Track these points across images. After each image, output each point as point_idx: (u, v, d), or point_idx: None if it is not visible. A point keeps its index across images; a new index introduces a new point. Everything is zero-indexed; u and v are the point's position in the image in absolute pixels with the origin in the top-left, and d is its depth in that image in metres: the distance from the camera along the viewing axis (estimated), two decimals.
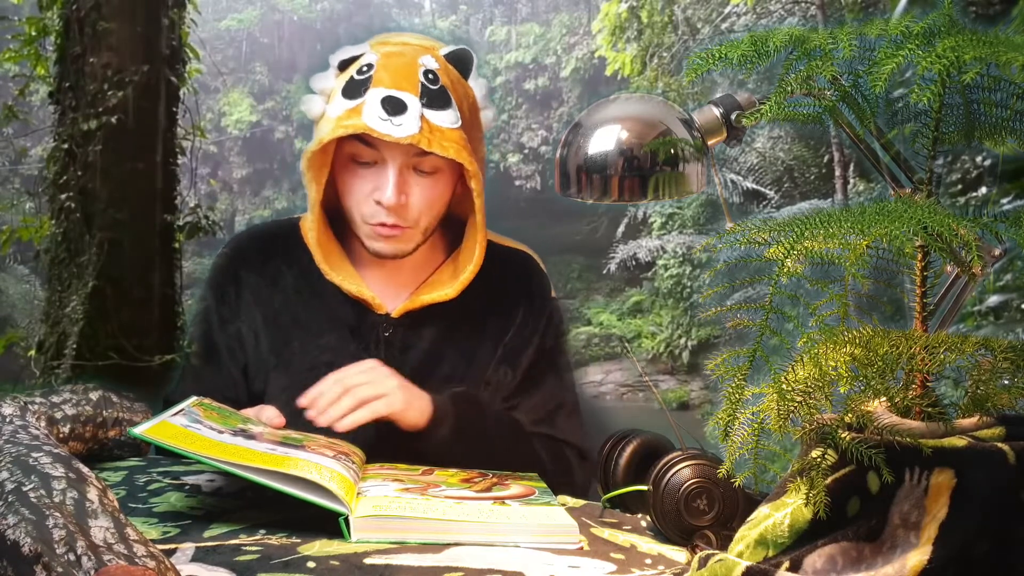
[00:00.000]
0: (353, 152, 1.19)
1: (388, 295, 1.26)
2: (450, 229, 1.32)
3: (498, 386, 1.28)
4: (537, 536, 0.88)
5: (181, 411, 1.01)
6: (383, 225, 1.20)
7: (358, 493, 0.93)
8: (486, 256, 1.28)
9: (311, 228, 1.23)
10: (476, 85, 1.25)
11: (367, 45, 1.22)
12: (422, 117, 1.14)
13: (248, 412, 1.13)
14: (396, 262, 1.26)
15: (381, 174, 1.18)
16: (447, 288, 1.25)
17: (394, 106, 1.14)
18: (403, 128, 1.13)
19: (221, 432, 0.98)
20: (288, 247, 1.28)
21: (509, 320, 1.29)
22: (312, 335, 1.24)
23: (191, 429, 0.95)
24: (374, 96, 1.14)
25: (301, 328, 1.25)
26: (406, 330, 1.25)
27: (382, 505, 0.89)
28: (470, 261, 1.25)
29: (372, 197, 1.19)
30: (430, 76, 1.18)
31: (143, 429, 0.91)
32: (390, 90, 1.15)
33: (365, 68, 1.18)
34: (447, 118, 1.17)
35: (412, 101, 1.14)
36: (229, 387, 1.25)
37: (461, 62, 1.23)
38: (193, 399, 1.07)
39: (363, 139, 1.17)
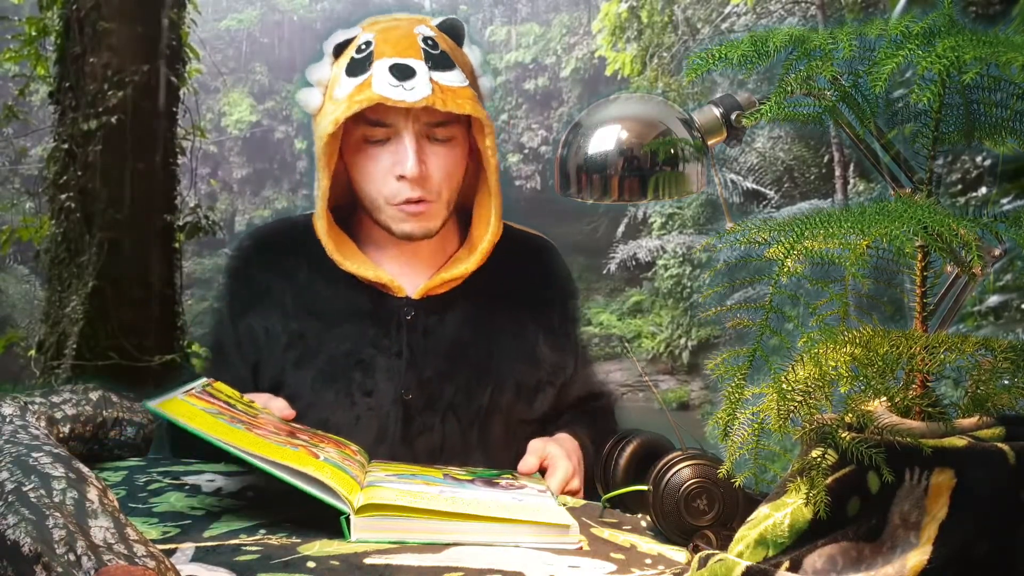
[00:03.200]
0: (365, 133, 1.18)
1: (407, 278, 1.25)
2: (462, 217, 1.32)
3: (562, 373, 1.30)
4: (537, 536, 0.88)
5: (192, 390, 1.01)
6: (409, 202, 1.19)
7: (366, 485, 0.93)
8: (507, 241, 1.28)
9: (319, 218, 1.22)
10: (471, 52, 1.25)
11: (359, 28, 1.22)
12: (431, 80, 1.14)
13: (258, 400, 1.13)
14: (414, 246, 1.25)
15: (398, 148, 1.17)
16: (465, 263, 1.24)
17: (402, 72, 1.14)
18: (416, 91, 1.13)
19: (230, 417, 0.98)
20: (302, 243, 1.26)
21: (534, 308, 1.29)
22: (329, 324, 1.23)
23: (200, 409, 0.96)
24: (380, 67, 1.14)
25: (317, 318, 1.24)
26: (428, 314, 1.24)
27: (385, 497, 0.89)
28: (486, 232, 1.25)
29: (392, 173, 1.18)
30: (429, 42, 1.19)
31: (155, 403, 0.92)
32: (395, 58, 1.15)
33: (364, 46, 1.18)
34: (455, 78, 1.17)
35: (419, 65, 1.15)
36: (236, 385, 1.25)
37: (453, 30, 1.24)
38: (203, 380, 1.07)
39: (374, 118, 1.16)
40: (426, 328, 1.23)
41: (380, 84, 1.13)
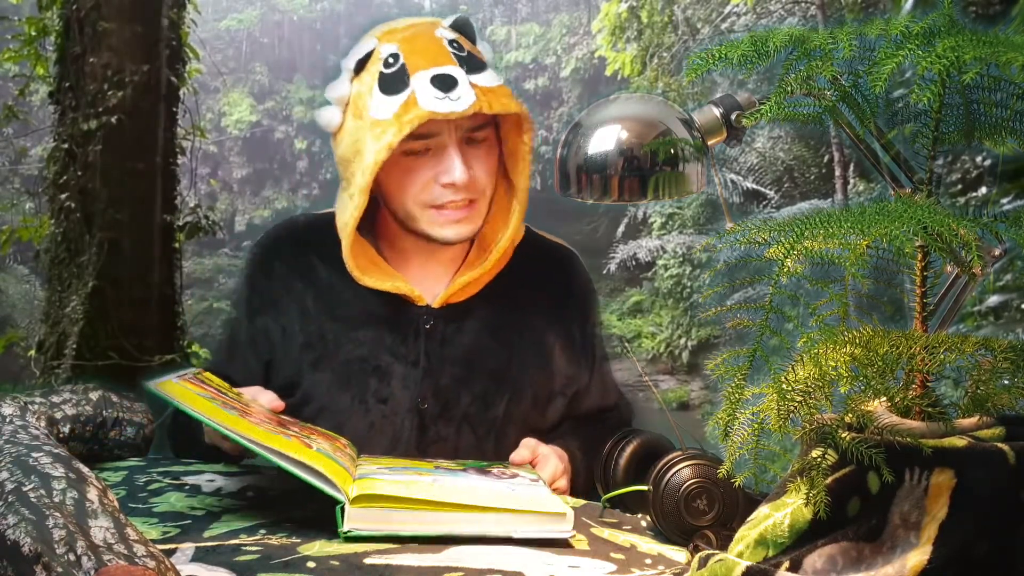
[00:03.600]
0: (405, 147, 1.15)
1: (427, 287, 1.24)
2: None
3: (575, 384, 1.29)
4: (532, 525, 0.87)
5: (185, 375, 1.02)
6: (453, 204, 1.17)
7: (358, 477, 0.93)
8: (529, 248, 1.26)
9: (345, 236, 1.19)
10: (483, 49, 1.23)
11: (374, 39, 1.18)
12: (472, 84, 1.12)
13: (246, 393, 1.12)
14: (438, 251, 1.24)
15: (442, 157, 1.15)
16: (482, 264, 1.22)
17: (445, 82, 1.11)
18: (462, 100, 1.10)
19: (222, 403, 0.98)
20: (323, 240, 1.24)
21: (554, 317, 1.28)
22: (347, 329, 1.22)
23: (194, 393, 0.96)
24: (420, 80, 1.11)
25: (336, 321, 1.23)
26: (447, 322, 1.22)
27: (379, 487, 0.89)
28: (503, 231, 1.22)
29: (437, 182, 1.16)
30: (455, 45, 1.17)
31: (154, 383, 0.93)
32: (432, 69, 1.12)
33: (391, 60, 1.14)
34: (490, 78, 1.16)
35: (458, 72, 1.13)
36: (247, 379, 1.25)
37: (464, 28, 1.22)
38: (193, 369, 1.07)
39: (419, 132, 1.13)
40: (444, 337, 1.22)
41: (426, 99, 1.10)
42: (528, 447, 1.16)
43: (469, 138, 1.17)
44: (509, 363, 1.24)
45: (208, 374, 1.09)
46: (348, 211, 1.17)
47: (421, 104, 1.10)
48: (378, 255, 1.24)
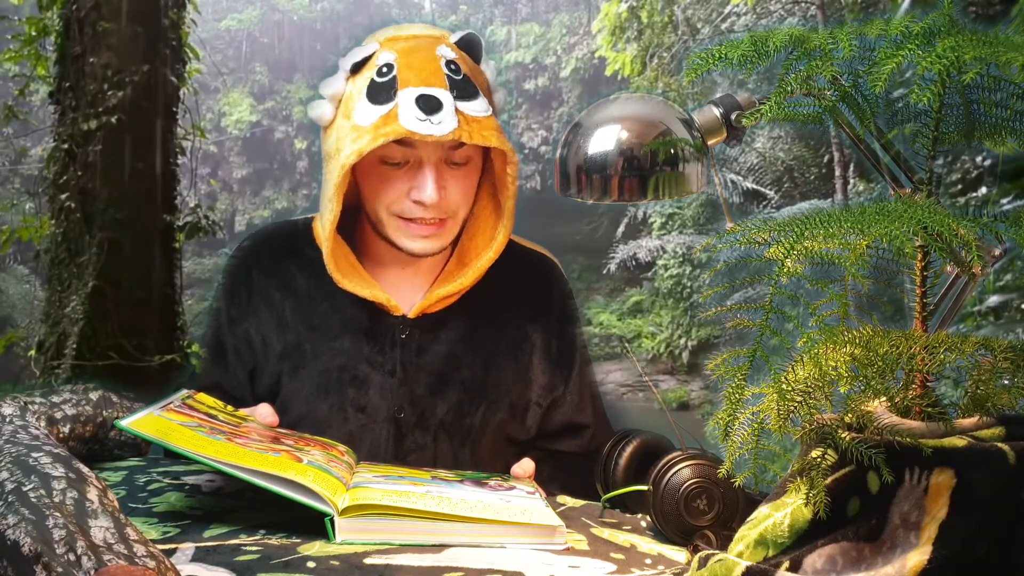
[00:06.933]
0: (383, 155, 1.15)
1: (403, 296, 1.24)
2: None
3: (550, 395, 1.27)
4: (524, 537, 0.87)
5: (169, 405, 1.01)
6: (422, 221, 1.17)
7: (352, 486, 0.93)
8: (508, 256, 1.25)
9: (325, 240, 1.19)
10: (486, 68, 1.23)
11: (376, 44, 1.19)
12: (457, 111, 1.12)
13: (243, 411, 1.12)
14: (414, 261, 1.24)
15: (417, 173, 1.16)
16: (460, 278, 1.22)
17: (429, 104, 1.11)
18: (443, 125, 1.10)
19: (210, 428, 0.98)
20: (301, 248, 1.25)
21: (532, 327, 1.27)
22: (325, 338, 1.23)
23: (177, 423, 0.95)
24: (406, 97, 1.11)
25: (314, 331, 1.23)
26: (423, 332, 1.22)
27: (370, 497, 0.88)
28: (487, 249, 1.23)
29: (409, 196, 1.16)
30: (452, 67, 1.16)
31: (128, 421, 0.91)
32: (420, 88, 1.12)
33: (385, 69, 1.15)
34: (479, 107, 1.15)
35: (445, 96, 1.12)
36: (235, 387, 1.25)
37: (471, 47, 1.21)
38: (183, 393, 1.07)
39: (396, 144, 1.14)
40: (420, 347, 1.22)
41: (407, 118, 1.10)
42: (530, 461, 1.16)
43: (449, 159, 1.17)
44: (485, 373, 1.23)
45: (201, 396, 1.08)
46: (327, 213, 1.18)
47: (401, 120, 1.10)
48: (358, 261, 1.24)
